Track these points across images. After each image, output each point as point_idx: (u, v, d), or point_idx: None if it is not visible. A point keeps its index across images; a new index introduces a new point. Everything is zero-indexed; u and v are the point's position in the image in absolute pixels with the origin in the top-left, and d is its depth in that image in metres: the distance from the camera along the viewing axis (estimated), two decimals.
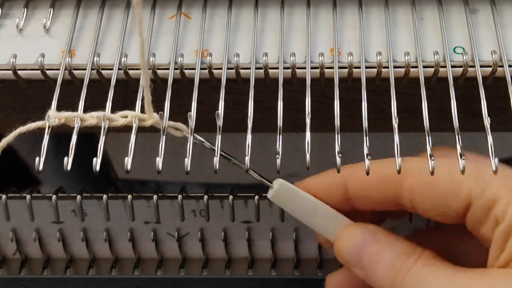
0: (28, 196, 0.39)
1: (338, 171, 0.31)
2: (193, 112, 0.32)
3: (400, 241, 0.31)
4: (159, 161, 0.30)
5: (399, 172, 0.30)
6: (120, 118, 0.31)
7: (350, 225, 0.33)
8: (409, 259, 0.30)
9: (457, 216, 0.31)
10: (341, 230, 0.32)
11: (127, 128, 0.32)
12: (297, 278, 0.40)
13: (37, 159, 0.30)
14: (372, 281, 0.31)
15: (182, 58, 0.34)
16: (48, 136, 0.31)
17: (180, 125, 0.32)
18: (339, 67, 0.34)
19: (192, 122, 0.31)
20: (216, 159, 0.30)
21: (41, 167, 0.30)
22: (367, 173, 0.30)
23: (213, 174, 0.30)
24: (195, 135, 0.31)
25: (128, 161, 0.30)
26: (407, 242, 0.31)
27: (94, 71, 0.34)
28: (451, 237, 0.35)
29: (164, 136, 0.31)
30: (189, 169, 0.30)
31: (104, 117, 0.31)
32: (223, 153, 0.31)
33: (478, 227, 0.31)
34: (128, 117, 0.31)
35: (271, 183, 0.33)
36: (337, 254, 0.32)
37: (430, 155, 0.30)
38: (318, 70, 0.34)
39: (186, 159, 0.30)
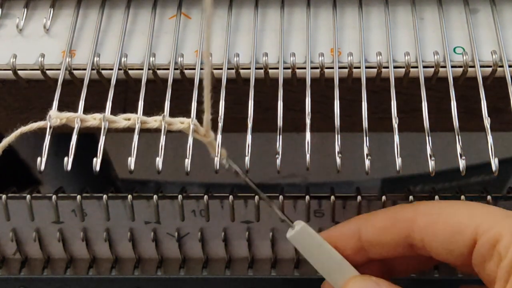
0: (28, 196, 0.39)
1: (338, 171, 0.31)
2: (193, 113, 0.32)
3: None
4: (159, 161, 0.30)
5: (398, 172, 0.30)
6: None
7: (357, 276, 0.33)
8: None
9: (464, 254, 0.31)
10: (348, 280, 0.33)
11: (127, 129, 0.32)
12: (297, 278, 0.40)
13: (38, 159, 0.30)
14: None
15: (182, 58, 0.34)
16: (49, 136, 0.31)
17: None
18: (339, 67, 0.34)
19: (192, 118, 0.31)
20: (216, 159, 0.30)
21: (42, 167, 0.30)
22: (367, 173, 0.30)
23: (213, 174, 0.30)
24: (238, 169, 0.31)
25: (132, 161, 0.30)
26: None
27: (94, 71, 0.34)
28: None
29: (164, 136, 0.31)
30: (189, 169, 0.30)
31: (104, 118, 0.31)
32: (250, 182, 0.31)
33: (483, 266, 0.31)
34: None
35: (292, 222, 0.33)
36: None
37: (430, 155, 0.30)
38: (318, 70, 0.34)
39: (186, 160, 0.30)
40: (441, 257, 0.32)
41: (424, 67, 0.33)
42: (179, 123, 0.31)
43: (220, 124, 0.32)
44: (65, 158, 0.30)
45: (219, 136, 0.31)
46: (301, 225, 0.33)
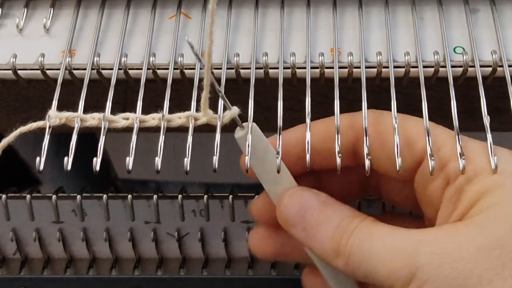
0: (28, 196, 0.39)
1: (338, 171, 0.30)
2: (193, 110, 0.32)
3: (344, 205, 0.31)
4: (158, 161, 0.30)
5: (398, 172, 0.30)
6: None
7: (297, 187, 0.32)
8: (354, 219, 0.29)
9: (408, 170, 0.31)
10: (288, 189, 0.32)
11: (127, 128, 0.32)
12: (297, 278, 0.40)
13: (37, 159, 0.30)
14: (313, 243, 0.30)
15: (182, 58, 0.34)
16: (48, 136, 0.31)
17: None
18: (339, 67, 0.34)
19: (192, 113, 0.31)
20: (215, 158, 0.30)
21: (41, 167, 0.30)
22: (367, 173, 0.30)
23: (213, 174, 0.30)
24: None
25: (130, 160, 0.30)
26: (350, 207, 0.31)
27: (94, 71, 0.34)
28: None
29: (164, 136, 0.31)
30: (188, 168, 0.30)
31: (104, 118, 0.31)
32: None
33: (426, 186, 0.30)
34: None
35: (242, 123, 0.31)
36: (279, 213, 0.32)
37: (430, 155, 0.30)
38: (318, 70, 0.34)
39: (185, 159, 0.30)
40: (384, 170, 0.32)
41: (424, 67, 0.33)
42: (178, 118, 0.31)
43: (219, 123, 0.32)
44: (65, 158, 0.30)
45: (218, 135, 0.31)
46: (254, 127, 0.31)
